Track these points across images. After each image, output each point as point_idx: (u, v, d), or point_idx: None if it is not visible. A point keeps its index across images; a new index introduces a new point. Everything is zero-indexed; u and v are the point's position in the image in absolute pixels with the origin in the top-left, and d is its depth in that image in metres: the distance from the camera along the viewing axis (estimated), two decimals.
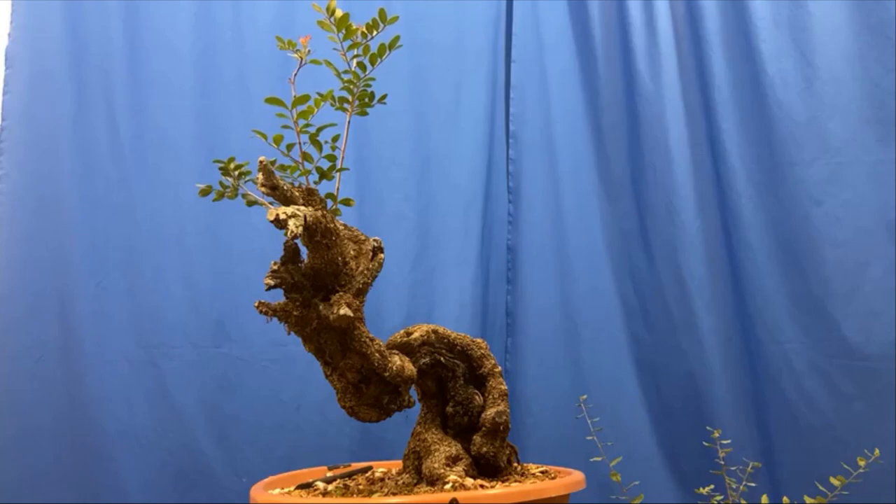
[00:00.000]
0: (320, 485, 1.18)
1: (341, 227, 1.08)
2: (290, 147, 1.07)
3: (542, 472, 1.20)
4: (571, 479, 1.11)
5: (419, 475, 1.14)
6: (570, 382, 1.84)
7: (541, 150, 1.96)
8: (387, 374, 1.06)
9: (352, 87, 1.11)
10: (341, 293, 1.04)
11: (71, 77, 1.71)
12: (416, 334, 1.17)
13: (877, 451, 1.25)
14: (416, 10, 1.88)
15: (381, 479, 1.20)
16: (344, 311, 1.01)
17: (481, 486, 1.06)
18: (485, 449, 1.13)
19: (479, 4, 1.97)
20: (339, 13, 1.06)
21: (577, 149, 1.95)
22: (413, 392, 1.17)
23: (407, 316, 1.81)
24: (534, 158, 1.96)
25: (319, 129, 1.07)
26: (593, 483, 1.22)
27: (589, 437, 1.38)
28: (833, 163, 1.73)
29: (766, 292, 1.76)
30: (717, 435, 1.36)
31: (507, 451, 1.17)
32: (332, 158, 1.09)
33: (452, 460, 1.11)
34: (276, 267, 1.03)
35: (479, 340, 1.21)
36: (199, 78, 1.78)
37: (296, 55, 1.08)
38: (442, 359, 1.18)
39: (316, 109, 1.06)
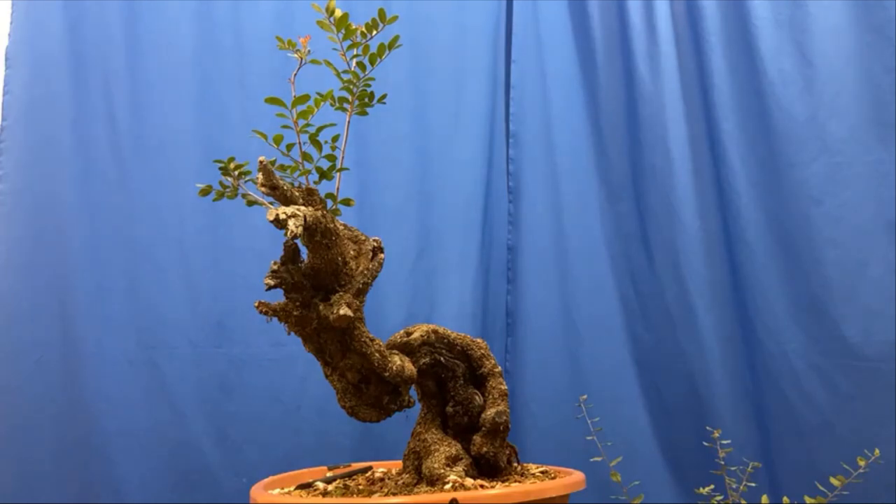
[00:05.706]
0: (320, 485, 1.19)
1: (341, 227, 1.08)
2: (290, 147, 1.07)
3: (542, 472, 1.20)
4: (571, 479, 1.11)
5: (419, 475, 1.14)
6: (570, 382, 1.84)
7: (541, 149, 1.96)
8: (387, 374, 1.06)
9: (351, 87, 1.11)
10: (341, 293, 1.04)
11: (71, 77, 1.71)
12: (416, 334, 1.17)
13: (877, 451, 1.25)
14: (416, 10, 1.88)
15: (381, 479, 1.21)
16: (344, 311, 1.01)
17: (481, 486, 1.06)
18: (485, 449, 1.13)
19: (479, 4, 1.97)
20: (338, 13, 1.06)
21: (577, 148, 1.95)
22: (413, 392, 1.17)
23: (407, 316, 1.81)
24: (534, 158, 1.96)
25: (319, 129, 1.07)
26: (593, 483, 1.22)
27: (589, 437, 1.38)
28: (833, 163, 1.73)
29: (765, 292, 1.76)
30: (717, 435, 1.36)
31: (507, 451, 1.17)
32: (332, 158, 1.09)
33: (452, 460, 1.11)
34: (276, 267, 1.03)
35: (478, 340, 1.21)
36: (199, 78, 1.78)
37: (296, 55, 1.08)
38: (442, 359, 1.18)
39: (316, 109, 1.06)
